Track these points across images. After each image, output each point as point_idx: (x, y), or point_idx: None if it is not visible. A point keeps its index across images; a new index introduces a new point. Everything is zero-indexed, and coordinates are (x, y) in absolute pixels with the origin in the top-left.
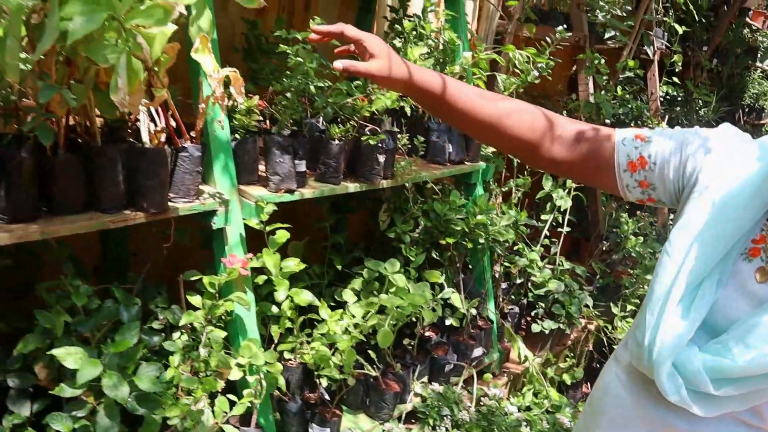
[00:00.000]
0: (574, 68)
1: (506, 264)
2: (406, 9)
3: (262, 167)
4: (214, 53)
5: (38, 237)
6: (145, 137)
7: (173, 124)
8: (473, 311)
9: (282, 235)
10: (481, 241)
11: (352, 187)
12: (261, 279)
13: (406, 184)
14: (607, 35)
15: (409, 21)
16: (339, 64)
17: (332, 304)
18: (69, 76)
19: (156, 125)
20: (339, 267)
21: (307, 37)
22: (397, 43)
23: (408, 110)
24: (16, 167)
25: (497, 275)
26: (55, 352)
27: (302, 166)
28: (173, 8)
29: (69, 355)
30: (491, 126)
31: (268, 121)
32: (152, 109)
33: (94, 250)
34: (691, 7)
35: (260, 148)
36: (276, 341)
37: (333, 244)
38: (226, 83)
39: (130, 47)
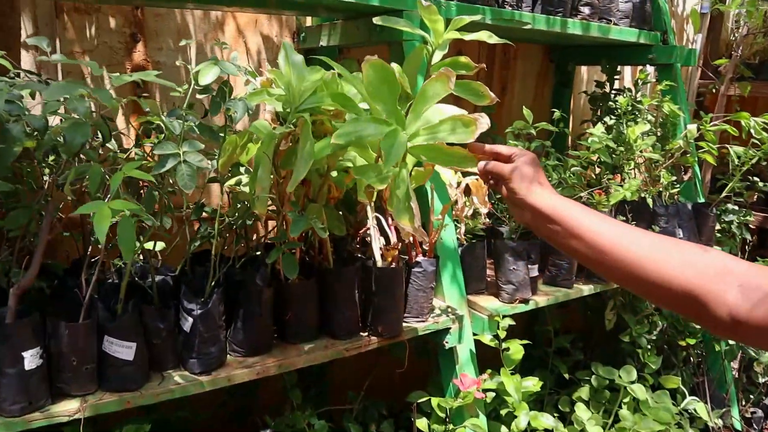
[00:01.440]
0: None
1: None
2: (613, 83)
3: (488, 271)
4: None
5: (276, 371)
6: (377, 254)
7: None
8: (719, 421)
9: (517, 352)
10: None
11: (587, 289)
12: (490, 396)
13: None
14: None
15: (623, 96)
16: (482, 164)
17: (555, 414)
18: (304, 195)
19: (387, 240)
20: (566, 375)
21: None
22: (609, 120)
23: (650, 201)
24: (255, 297)
25: (736, 374)
26: None
27: (535, 270)
28: (475, 122)
29: None
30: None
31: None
32: (383, 222)
33: None
34: None
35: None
36: None
37: (557, 348)
38: (467, 191)
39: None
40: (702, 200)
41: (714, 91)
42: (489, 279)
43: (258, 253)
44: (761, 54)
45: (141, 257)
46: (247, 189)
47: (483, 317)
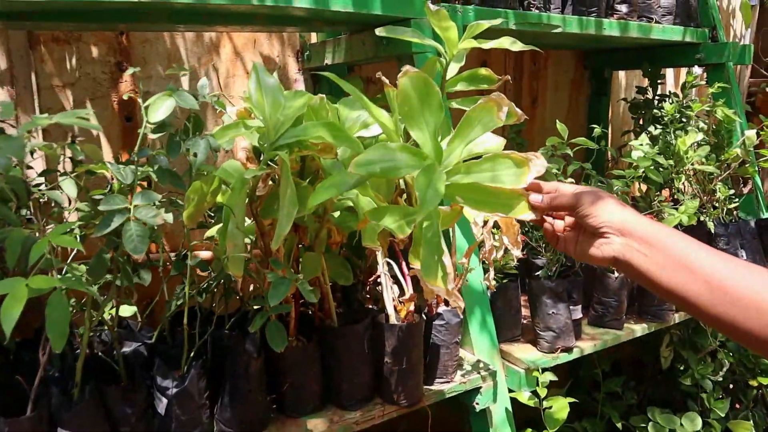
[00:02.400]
0: None
1: None
2: (657, 88)
3: (524, 311)
4: None
5: None
6: (390, 308)
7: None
8: None
9: (561, 410)
10: None
11: (639, 329)
12: None
13: None
14: None
15: (669, 102)
16: (538, 197)
17: None
18: (297, 243)
19: (401, 290)
20: (619, 424)
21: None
22: (654, 130)
23: (710, 225)
24: (242, 368)
25: None
26: None
27: (578, 312)
28: (527, 163)
29: None
30: None
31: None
32: (396, 268)
33: None
34: None
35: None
36: None
37: (607, 393)
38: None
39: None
40: (766, 215)
41: (767, 90)
42: (524, 321)
43: (257, 307)
44: None
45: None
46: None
47: (519, 371)
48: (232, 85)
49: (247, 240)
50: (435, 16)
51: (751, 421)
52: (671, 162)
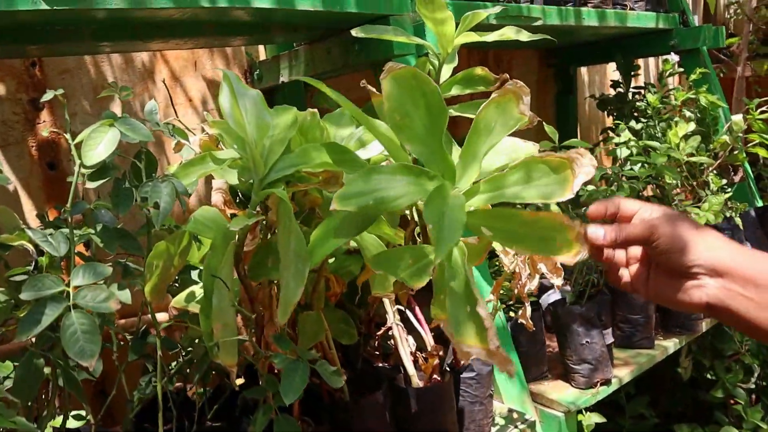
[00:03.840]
0: None
1: None
2: (630, 81)
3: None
4: None
5: None
6: (410, 368)
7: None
8: None
9: None
10: None
11: (671, 345)
12: None
13: None
14: None
15: (651, 94)
16: (598, 232)
17: None
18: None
19: (417, 339)
20: None
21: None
22: (635, 124)
23: (738, 220)
24: None
25: None
26: None
27: (609, 336)
28: (570, 164)
29: None
30: None
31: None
32: (410, 316)
33: None
34: None
35: None
36: None
37: (632, 413)
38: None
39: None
40: (760, 203)
41: (722, 75)
42: (548, 353)
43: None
44: None
45: None
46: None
47: (558, 415)
48: (173, 115)
49: None
50: (427, 5)
51: None
52: (664, 156)
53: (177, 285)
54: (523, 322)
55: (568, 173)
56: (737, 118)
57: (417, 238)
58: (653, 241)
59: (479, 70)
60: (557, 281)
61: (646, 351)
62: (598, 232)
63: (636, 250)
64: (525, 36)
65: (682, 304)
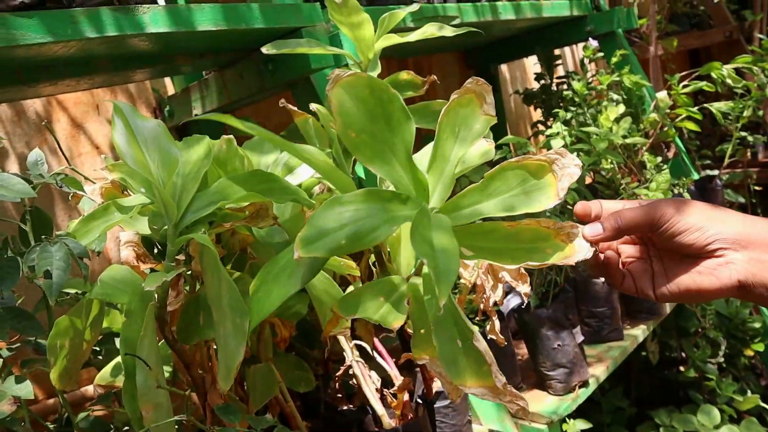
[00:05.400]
0: None
1: None
2: (553, 72)
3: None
4: None
5: None
6: (378, 407)
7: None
8: None
9: None
10: None
11: (640, 332)
12: None
13: None
14: None
15: (576, 81)
16: (596, 228)
17: None
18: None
19: (388, 377)
20: None
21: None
22: (567, 114)
23: (686, 195)
24: None
25: None
26: None
27: (579, 334)
28: (549, 167)
29: None
30: None
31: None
32: (370, 350)
33: None
34: None
35: None
36: None
37: (609, 408)
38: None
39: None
40: (696, 175)
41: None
42: (519, 362)
43: None
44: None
45: None
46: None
47: (541, 428)
48: (81, 166)
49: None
50: (341, 10)
51: (749, 391)
52: (605, 141)
53: (101, 357)
54: (493, 337)
55: (550, 177)
56: (662, 95)
57: (372, 268)
58: (661, 225)
59: (405, 74)
60: (523, 288)
61: (616, 343)
62: (595, 228)
63: (630, 249)
64: (449, 31)
65: (707, 292)
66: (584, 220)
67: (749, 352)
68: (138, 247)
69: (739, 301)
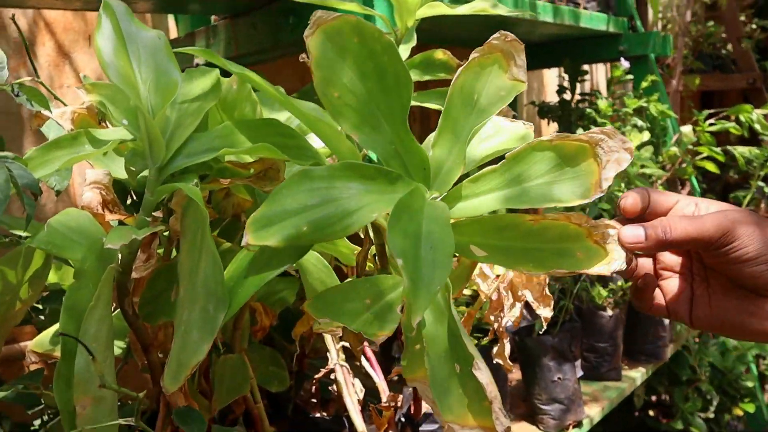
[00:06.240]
0: None
1: None
2: (576, 87)
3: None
4: None
5: None
6: (357, 420)
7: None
8: None
9: None
10: None
11: (639, 375)
12: None
13: (689, 342)
14: None
15: (603, 100)
16: (637, 232)
17: None
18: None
19: (372, 389)
20: None
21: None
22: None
23: None
24: None
25: None
26: None
27: (579, 368)
28: (591, 150)
29: None
30: None
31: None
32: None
33: None
34: None
35: None
36: None
37: None
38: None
39: None
40: None
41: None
42: (509, 386)
43: None
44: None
45: None
46: None
47: None
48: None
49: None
50: None
51: None
52: (637, 166)
53: (43, 318)
54: (500, 362)
55: (591, 163)
56: (687, 129)
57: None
58: (725, 244)
59: (440, 53)
60: (545, 312)
61: (614, 383)
62: (637, 233)
63: (668, 259)
64: (504, 10)
65: (754, 335)
66: (629, 216)
67: (738, 412)
68: (107, 191)
69: (735, 356)
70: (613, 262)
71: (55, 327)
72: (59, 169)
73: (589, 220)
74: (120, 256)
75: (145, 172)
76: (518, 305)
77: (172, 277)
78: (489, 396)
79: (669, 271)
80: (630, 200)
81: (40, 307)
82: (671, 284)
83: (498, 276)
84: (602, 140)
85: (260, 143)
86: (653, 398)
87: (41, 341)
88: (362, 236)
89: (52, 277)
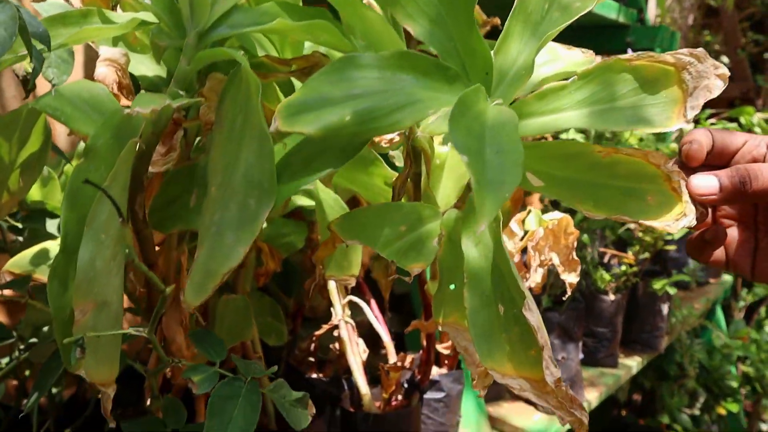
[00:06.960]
0: None
1: None
2: None
3: None
4: None
5: None
6: (362, 385)
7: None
8: None
9: None
10: None
11: (635, 365)
12: None
13: (682, 337)
14: None
15: None
16: (711, 181)
17: None
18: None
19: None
20: None
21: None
22: None
23: None
24: None
25: None
26: None
27: (580, 351)
28: (678, 74)
29: None
30: None
31: None
32: (369, 312)
33: None
34: None
35: None
36: None
37: None
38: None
39: None
40: None
41: None
42: None
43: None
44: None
45: None
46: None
47: None
48: None
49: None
50: None
51: None
52: None
53: (20, 239)
54: None
55: (675, 90)
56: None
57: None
58: None
59: None
60: (570, 278)
61: (610, 370)
62: (710, 183)
63: (732, 207)
64: None
65: None
66: (693, 165)
67: (721, 410)
68: (123, 73)
69: (723, 355)
70: (683, 217)
71: (38, 248)
72: (63, 45)
73: (669, 161)
74: (141, 136)
75: (177, 45)
76: (540, 270)
77: (193, 180)
78: (540, 341)
79: (730, 219)
80: (695, 145)
81: (20, 226)
82: (732, 234)
83: (526, 233)
84: (691, 63)
85: (318, 20)
86: (634, 396)
87: (20, 261)
88: (405, 158)
89: (35, 194)
